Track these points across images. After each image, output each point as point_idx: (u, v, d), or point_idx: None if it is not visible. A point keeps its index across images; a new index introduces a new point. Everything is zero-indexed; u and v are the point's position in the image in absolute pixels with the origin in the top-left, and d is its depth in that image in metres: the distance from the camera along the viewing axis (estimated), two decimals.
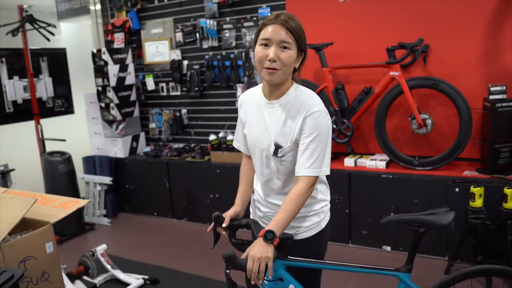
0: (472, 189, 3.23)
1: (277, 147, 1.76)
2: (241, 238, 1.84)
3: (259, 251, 1.56)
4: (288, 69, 1.69)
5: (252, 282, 1.58)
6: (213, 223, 1.86)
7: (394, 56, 3.74)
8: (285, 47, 1.65)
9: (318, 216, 1.89)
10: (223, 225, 1.84)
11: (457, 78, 3.68)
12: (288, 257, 1.78)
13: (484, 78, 3.63)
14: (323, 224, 1.91)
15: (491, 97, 3.40)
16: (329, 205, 1.97)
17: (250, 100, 1.88)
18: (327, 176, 1.89)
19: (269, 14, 1.71)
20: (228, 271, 1.63)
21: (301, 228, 1.86)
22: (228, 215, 1.87)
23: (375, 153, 4.15)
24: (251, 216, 2.07)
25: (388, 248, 3.82)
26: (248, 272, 1.57)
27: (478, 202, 3.22)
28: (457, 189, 3.44)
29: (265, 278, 1.72)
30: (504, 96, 3.38)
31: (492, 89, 3.40)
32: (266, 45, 1.66)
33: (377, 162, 3.90)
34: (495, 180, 3.37)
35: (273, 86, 1.75)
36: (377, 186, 3.77)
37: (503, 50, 3.54)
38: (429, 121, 3.71)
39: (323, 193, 1.92)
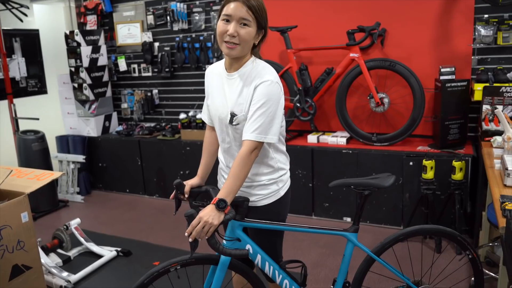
0: (424, 162, 3.47)
1: (232, 115, 1.83)
2: (200, 201, 1.96)
3: (207, 215, 1.64)
4: (247, 45, 1.77)
5: (190, 240, 1.66)
6: (174, 190, 2.00)
7: (353, 39, 3.95)
8: (244, 24, 1.73)
9: (276, 184, 1.96)
10: (185, 193, 1.98)
11: (411, 60, 3.93)
12: (245, 219, 1.88)
13: (435, 60, 3.88)
14: (282, 192, 1.98)
15: (441, 77, 3.63)
16: (288, 174, 2.03)
17: (214, 73, 1.96)
18: (289, 149, 2.04)
19: None
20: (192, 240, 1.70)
21: (260, 195, 1.94)
22: (189, 184, 2.00)
23: (337, 130, 4.38)
24: (218, 184, 2.14)
25: (349, 219, 4.07)
26: (190, 228, 1.64)
27: (429, 174, 3.47)
28: (411, 163, 3.69)
29: (224, 238, 1.88)
30: (453, 77, 3.63)
31: (442, 70, 3.64)
32: (227, 20, 1.73)
33: (338, 139, 4.12)
34: (445, 154, 3.62)
35: (232, 59, 1.83)
36: (338, 161, 3.99)
37: (453, 34, 3.79)
38: (386, 100, 3.94)
39: (282, 162, 1.98)
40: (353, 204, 4.00)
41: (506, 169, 2.29)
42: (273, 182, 1.95)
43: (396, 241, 2.06)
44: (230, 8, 1.73)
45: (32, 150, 4.64)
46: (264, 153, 1.91)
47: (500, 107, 3.35)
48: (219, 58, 4.69)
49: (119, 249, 3.67)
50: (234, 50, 1.76)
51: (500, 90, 3.33)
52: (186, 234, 1.66)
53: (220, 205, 1.67)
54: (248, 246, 1.90)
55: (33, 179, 2.87)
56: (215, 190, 1.95)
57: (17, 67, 4.87)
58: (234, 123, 1.84)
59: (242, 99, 1.82)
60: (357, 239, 1.97)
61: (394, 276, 2.14)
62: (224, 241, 1.87)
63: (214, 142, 2.11)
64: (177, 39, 4.95)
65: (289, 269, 2.03)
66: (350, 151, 3.95)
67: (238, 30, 1.73)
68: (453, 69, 3.62)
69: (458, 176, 3.40)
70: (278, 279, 1.97)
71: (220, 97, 1.90)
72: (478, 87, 3.46)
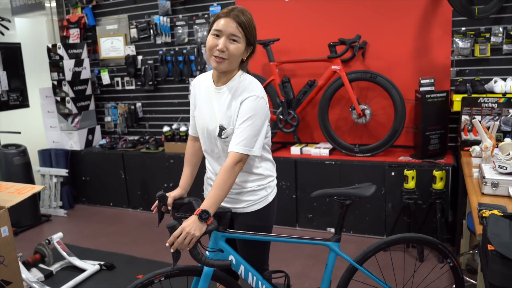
0: (406, 172, 3.52)
1: (221, 129, 1.87)
2: (183, 213, 1.96)
3: (189, 226, 1.65)
4: (235, 60, 1.83)
5: (172, 250, 1.66)
6: (156, 202, 2.01)
7: (335, 51, 4.01)
8: (234, 40, 1.79)
9: (265, 190, 2.01)
10: (168, 205, 1.99)
11: (392, 72, 4.00)
12: (228, 230, 1.92)
13: (415, 71, 3.95)
14: (270, 198, 2.03)
15: (421, 89, 3.70)
16: (275, 181, 2.10)
17: (201, 85, 2.00)
18: (275, 160, 2.11)
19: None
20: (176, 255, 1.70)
21: (250, 201, 1.98)
22: (171, 195, 2.02)
23: (319, 141, 4.42)
24: (204, 194, 2.16)
25: (332, 230, 4.08)
26: (172, 238, 1.64)
27: (411, 184, 3.52)
28: (393, 173, 3.74)
29: (207, 249, 1.88)
30: (433, 88, 3.70)
31: (422, 81, 3.71)
32: (217, 35, 1.79)
33: (321, 150, 4.16)
34: (426, 164, 3.67)
35: (220, 73, 1.88)
36: (321, 172, 4.02)
37: (432, 46, 3.88)
38: (367, 111, 3.99)
39: (269, 169, 2.05)
40: (336, 214, 3.96)
41: (484, 177, 2.34)
42: (261, 188, 2.00)
43: (378, 250, 2.09)
44: (220, 23, 1.78)
45: (14, 164, 4.60)
46: (251, 163, 1.96)
47: (478, 117, 3.43)
48: (202, 71, 4.72)
49: (102, 262, 3.64)
50: (222, 64, 1.81)
51: (478, 101, 3.41)
52: (167, 244, 1.66)
53: (203, 216, 1.68)
54: (231, 257, 1.92)
55: (14, 193, 2.84)
56: (198, 201, 1.95)
57: None
58: (223, 137, 1.89)
59: (230, 112, 1.87)
60: (339, 249, 1.99)
61: (377, 285, 2.15)
62: (207, 252, 1.88)
63: (196, 153, 2.15)
64: (161, 52, 4.97)
65: (273, 279, 2.04)
66: (333, 162, 3.98)
67: (227, 45, 1.78)
68: (433, 80, 3.69)
69: (438, 185, 3.45)
70: None
71: (208, 110, 1.94)
72: (457, 98, 3.54)
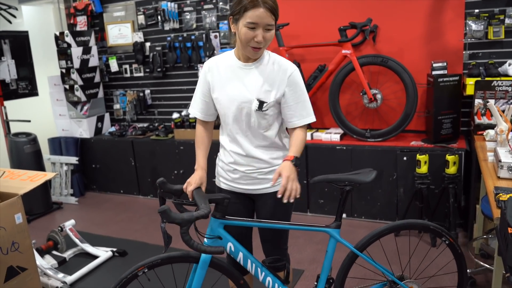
0: (418, 157, 3.49)
1: (261, 102, 1.90)
2: (181, 199, 1.93)
3: (289, 170, 1.77)
4: (269, 43, 1.88)
5: (285, 200, 1.73)
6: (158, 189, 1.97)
7: (345, 35, 3.96)
8: (269, 29, 1.82)
9: None
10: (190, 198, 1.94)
11: (403, 56, 3.94)
12: (226, 216, 1.90)
13: (427, 55, 3.90)
14: None
15: (433, 72, 3.65)
16: None
17: (220, 65, 1.99)
18: None
19: None
20: (163, 225, 1.66)
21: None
22: (195, 183, 1.93)
23: (330, 127, 4.39)
24: (218, 183, 2.15)
25: (344, 215, 4.08)
26: (282, 188, 1.73)
27: (423, 169, 3.50)
28: (405, 158, 3.71)
29: (205, 236, 1.87)
30: (445, 72, 3.65)
31: (434, 65, 3.66)
32: (253, 28, 1.79)
33: (332, 135, 4.13)
34: (438, 148, 3.64)
35: None
36: (332, 158, 4.00)
37: (444, 29, 3.81)
38: (379, 96, 3.96)
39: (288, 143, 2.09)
40: (348, 200, 4.00)
41: (500, 161, 2.31)
42: None
43: (379, 237, 2.07)
44: (255, 15, 1.78)
45: (24, 153, 4.61)
46: (279, 138, 2.03)
47: (492, 101, 3.38)
48: (210, 57, 4.67)
49: (114, 249, 3.66)
50: (260, 51, 1.87)
51: (492, 84, 3.36)
52: (279, 195, 1.74)
53: (296, 162, 1.82)
54: (229, 244, 1.92)
55: (26, 180, 2.85)
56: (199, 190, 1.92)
57: (7, 69, 4.83)
58: (264, 109, 1.92)
59: (269, 86, 1.92)
60: (339, 235, 1.97)
61: (379, 271, 2.13)
62: (206, 240, 1.88)
63: (207, 137, 2.13)
64: (169, 38, 4.93)
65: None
66: (344, 148, 3.96)
67: (264, 35, 1.82)
68: (445, 64, 3.64)
69: (451, 170, 3.42)
70: (261, 276, 1.98)
71: (237, 87, 1.94)
72: (470, 82, 3.48)
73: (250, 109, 1.92)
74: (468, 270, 2.88)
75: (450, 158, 3.41)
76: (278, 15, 1.85)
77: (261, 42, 1.81)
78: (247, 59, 1.94)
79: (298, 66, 4.19)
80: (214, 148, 2.16)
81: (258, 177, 2.02)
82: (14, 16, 4.72)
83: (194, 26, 4.80)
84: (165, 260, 1.91)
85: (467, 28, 3.71)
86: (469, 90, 3.50)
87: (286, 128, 2.07)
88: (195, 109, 2.12)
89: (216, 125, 2.14)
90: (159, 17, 4.93)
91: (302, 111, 1.95)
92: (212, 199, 1.81)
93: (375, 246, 2.12)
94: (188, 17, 4.80)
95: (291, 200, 1.75)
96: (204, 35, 4.69)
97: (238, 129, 1.99)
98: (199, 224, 1.74)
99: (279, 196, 1.74)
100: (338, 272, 2.07)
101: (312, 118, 1.99)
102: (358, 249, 2.01)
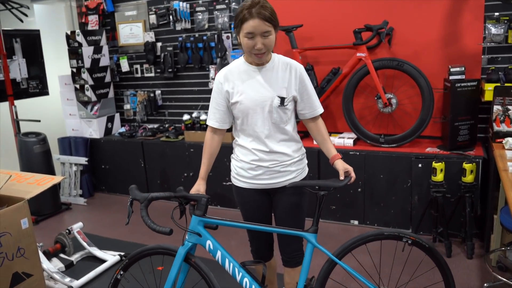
0: (434, 164, 3.39)
1: (282, 98, 2.08)
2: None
3: (347, 165, 2.09)
4: (272, 47, 2.03)
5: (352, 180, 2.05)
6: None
7: (360, 38, 3.87)
8: (266, 36, 1.95)
9: (305, 158, 2.28)
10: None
11: (419, 59, 3.84)
12: (205, 215, 2.02)
13: (444, 59, 3.79)
14: (307, 167, 2.31)
15: (451, 77, 3.55)
16: None
17: (234, 72, 2.13)
18: None
19: (244, 3, 1.95)
20: (129, 200, 2.00)
21: (299, 170, 2.21)
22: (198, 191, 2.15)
23: (343, 131, 4.30)
24: (236, 182, 2.26)
25: (356, 222, 4.00)
26: (353, 179, 2.05)
27: (439, 177, 3.39)
28: (420, 165, 3.61)
29: (188, 230, 2.00)
30: (463, 77, 3.55)
31: (452, 70, 3.56)
32: (251, 37, 1.94)
33: (345, 140, 4.05)
34: (454, 156, 3.54)
35: None
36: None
37: (462, 33, 3.71)
38: (394, 101, 3.87)
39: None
40: (360, 206, 3.93)
41: None
42: (304, 156, 2.26)
43: (356, 245, 2.04)
44: (250, 26, 1.92)
45: (34, 153, 4.59)
46: (295, 129, 2.21)
47: (511, 108, 3.28)
48: (222, 57, 4.62)
49: (122, 253, 3.63)
50: (264, 57, 2.02)
51: None
52: (341, 178, 2.05)
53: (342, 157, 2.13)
54: (208, 242, 2.03)
55: (33, 184, 2.82)
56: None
57: (18, 68, 4.81)
58: (285, 104, 2.09)
59: (285, 83, 2.10)
60: (316, 240, 1.99)
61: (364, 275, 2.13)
62: (187, 236, 2.04)
63: (217, 144, 2.25)
64: (180, 39, 4.87)
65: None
66: (358, 153, 3.87)
67: (263, 42, 1.96)
68: (463, 68, 3.54)
69: (468, 178, 3.31)
70: (238, 277, 2.03)
71: (256, 87, 2.09)
72: (489, 87, 3.38)
73: (271, 106, 2.08)
74: (485, 284, 2.81)
75: (467, 166, 3.30)
76: (277, 20, 1.98)
77: (261, 48, 1.96)
78: (258, 63, 2.09)
79: (312, 68, 4.11)
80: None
81: (281, 170, 2.15)
82: (26, 15, 4.69)
83: (206, 26, 4.74)
84: (132, 258, 2.13)
85: (486, 32, 3.59)
86: (488, 96, 3.40)
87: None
88: (212, 120, 2.21)
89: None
90: (171, 17, 4.87)
91: (312, 104, 2.17)
92: (190, 196, 1.98)
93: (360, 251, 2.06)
94: (200, 17, 4.74)
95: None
96: (216, 36, 4.63)
97: (262, 127, 2.12)
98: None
99: (341, 178, 2.04)
100: (317, 278, 2.07)
101: (320, 110, 2.21)
102: (336, 256, 2.00)
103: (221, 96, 2.14)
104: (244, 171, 2.20)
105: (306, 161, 2.28)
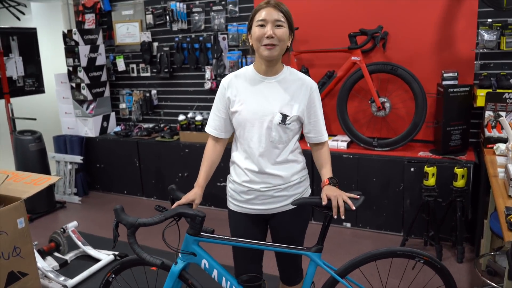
0: (426, 169, 3.42)
1: (284, 116, 1.91)
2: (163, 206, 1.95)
3: (335, 191, 1.81)
4: (284, 44, 1.86)
5: (342, 216, 1.76)
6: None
7: (355, 42, 3.91)
8: (279, 25, 1.82)
9: (306, 180, 2.09)
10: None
11: (413, 64, 3.89)
12: (201, 233, 1.89)
13: (438, 64, 3.84)
14: (310, 189, 2.13)
15: (444, 82, 3.59)
16: None
17: (239, 80, 1.98)
18: None
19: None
20: (114, 222, 1.85)
21: (297, 194, 2.02)
22: (189, 200, 1.95)
23: (337, 134, 4.35)
24: (230, 205, 2.11)
25: (348, 225, 4.04)
26: (335, 209, 1.76)
27: (431, 181, 3.43)
28: (412, 169, 3.66)
29: (180, 251, 1.91)
30: (456, 82, 3.59)
31: (445, 75, 3.60)
32: (262, 25, 1.83)
33: (338, 143, 4.09)
34: (446, 160, 3.59)
35: (270, 64, 1.90)
36: (338, 166, 3.94)
37: (456, 39, 3.76)
38: (387, 104, 3.91)
39: (303, 158, 2.10)
40: (357, 210, 3.96)
41: (511, 179, 2.26)
42: (304, 179, 2.07)
43: (363, 263, 1.93)
44: (263, 13, 1.84)
45: (29, 151, 4.60)
46: (297, 151, 2.04)
47: (503, 114, 3.33)
48: (218, 59, 4.65)
49: (116, 253, 3.64)
50: (274, 50, 1.84)
51: (503, 97, 3.31)
52: (335, 216, 1.78)
53: (333, 182, 1.89)
54: (204, 261, 1.93)
55: (30, 184, 2.84)
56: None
57: (14, 66, 4.82)
58: (287, 123, 1.92)
59: (292, 100, 1.93)
60: (320, 259, 1.88)
61: None
62: (180, 255, 1.93)
63: (216, 155, 2.10)
64: (177, 39, 4.90)
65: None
66: (351, 156, 3.91)
67: (274, 31, 1.81)
68: (456, 74, 3.59)
69: (460, 183, 3.35)
70: None
71: (258, 99, 1.94)
72: (481, 93, 3.43)
73: (271, 123, 1.91)
74: None
75: (458, 171, 3.34)
76: (292, 21, 1.88)
77: (272, 37, 1.80)
78: (267, 71, 1.93)
79: (307, 71, 4.15)
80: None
81: (274, 195, 1.98)
82: (23, 13, 4.70)
83: (203, 27, 4.76)
84: (124, 264, 2.10)
85: (479, 38, 3.63)
86: (480, 102, 3.45)
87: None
88: (210, 126, 2.07)
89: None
90: (167, 17, 4.89)
91: (319, 129, 2.01)
92: (183, 213, 1.83)
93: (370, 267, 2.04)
94: (196, 18, 4.76)
95: (342, 217, 1.77)
96: (212, 37, 4.65)
97: (257, 143, 1.95)
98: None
99: (335, 217, 1.77)
100: None
101: (326, 137, 2.05)
102: (343, 271, 1.91)
103: (222, 102, 2.00)
104: (237, 195, 2.05)
105: (308, 182, 2.10)
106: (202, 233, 1.89)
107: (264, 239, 2.12)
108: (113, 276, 2.11)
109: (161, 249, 3.77)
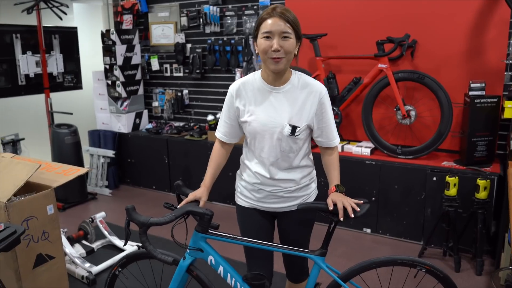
0: (447, 178, 3.39)
1: (294, 127, 1.90)
2: (171, 203, 2.00)
3: (339, 196, 1.81)
4: (291, 56, 1.82)
5: (351, 215, 1.76)
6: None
7: (383, 49, 3.92)
8: (286, 37, 1.78)
9: (314, 182, 2.12)
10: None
11: (440, 73, 3.87)
12: (209, 231, 1.92)
13: (465, 74, 3.80)
14: (317, 190, 2.17)
15: (471, 93, 3.56)
16: None
17: (247, 88, 1.95)
18: (314, 157, 2.13)
19: (268, 6, 1.84)
20: (126, 221, 1.83)
21: (305, 195, 2.07)
22: (196, 196, 1.95)
23: (362, 140, 4.36)
24: (239, 201, 2.13)
25: (368, 231, 4.05)
26: (341, 212, 1.76)
27: (452, 191, 3.40)
28: (434, 178, 3.64)
29: (188, 247, 1.94)
30: (483, 93, 3.55)
31: (472, 85, 3.57)
32: (268, 37, 1.78)
33: (362, 149, 4.10)
34: (470, 171, 3.55)
35: (278, 74, 1.87)
36: (361, 172, 3.97)
37: (485, 48, 3.71)
38: (412, 113, 3.90)
39: (313, 161, 2.12)
40: (373, 215, 3.98)
41: None
42: (312, 180, 2.11)
43: (365, 269, 1.93)
44: (268, 24, 1.78)
45: (65, 143, 4.82)
46: (307, 155, 2.05)
47: None
48: (248, 62, 4.74)
49: (140, 244, 3.75)
50: (280, 63, 1.80)
51: None
52: (341, 219, 1.78)
53: (339, 189, 1.89)
54: (210, 257, 1.95)
55: (61, 174, 2.98)
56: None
57: (55, 63, 5.07)
58: (296, 134, 1.92)
59: (300, 110, 1.91)
60: (323, 262, 1.89)
61: None
62: (188, 250, 1.95)
63: (223, 157, 2.11)
64: (209, 41, 5.02)
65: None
66: (374, 162, 3.92)
67: (281, 44, 1.77)
68: (484, 84, 3.55)
69: (482, 195, 3.31)
70: None
71: (268, 111, 1.92)
72: (509, 105, 3.36)
73: (281, 134, 1.91)
74: None
75: (481, 182, 3.30)
76: (299, 29, 1.83)
77: (278, 50, 1.77)
78: (274, 81, 1.90)
79: (334, 77, 4.18)
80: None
81: (284, 196, 2.03)
82: (65, 13, 4.93)
83: (234, 30, 4.87)
84: (130, 258, 2.14)
85: (510, 48, 3.59)
86: (507, 113, 3.38)
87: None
88: (220, 132, 2.08)
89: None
90: (201, 20, 5.03)
91: (329, 134, 1.99)
92: (192, 211, 1.84)
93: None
94: (229, 21, 4.88)
95: (351, 216, 1.76)
96: (243, 40, 4.76)
97: (268, 153, 1.96)
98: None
99: (341, 219, 1.78)
100: None
101: (337, 141, 2.03)
102: (345, 277, 1.91)
103: (232, 111, 2.00)
104: (248, 192, 2.09)
105: (316, 184, 2.15)
106: (209, 230, 1.93)
107: (272, 231, 2.16)
108: (120, 269, 2.15)
109: (169, 239, 3.88)
